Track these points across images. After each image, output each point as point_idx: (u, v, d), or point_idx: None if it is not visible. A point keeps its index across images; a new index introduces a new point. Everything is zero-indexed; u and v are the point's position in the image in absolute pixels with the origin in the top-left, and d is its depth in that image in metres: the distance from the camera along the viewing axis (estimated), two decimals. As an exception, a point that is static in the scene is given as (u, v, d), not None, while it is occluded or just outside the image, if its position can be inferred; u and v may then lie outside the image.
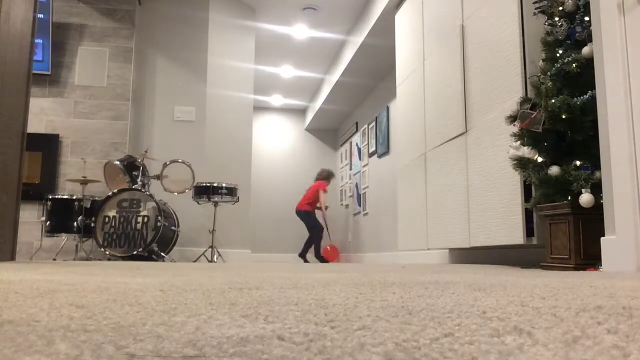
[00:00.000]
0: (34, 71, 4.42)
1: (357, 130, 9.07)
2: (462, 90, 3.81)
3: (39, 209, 5.32)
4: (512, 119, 2.87)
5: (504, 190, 3.19)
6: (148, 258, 4.57)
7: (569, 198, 2.52)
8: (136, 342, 0.42)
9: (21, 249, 5.21)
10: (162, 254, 4.68)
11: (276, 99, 9.89)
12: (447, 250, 4.76)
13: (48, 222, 4.67)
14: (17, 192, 2.88)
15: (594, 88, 2.43)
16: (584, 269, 2.39)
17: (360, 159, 8.75)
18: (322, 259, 8.34)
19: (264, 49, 7.56)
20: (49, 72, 5.47)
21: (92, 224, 4.55)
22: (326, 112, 9.44)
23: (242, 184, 6.04)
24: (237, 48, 6.24)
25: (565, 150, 2.67)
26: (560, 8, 2.74)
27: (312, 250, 8.43)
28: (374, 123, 7.97)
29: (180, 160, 4.96)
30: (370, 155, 8.12)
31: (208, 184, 5.04)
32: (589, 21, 2.59)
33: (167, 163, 4.95)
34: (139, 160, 4.83)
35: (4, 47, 2.66)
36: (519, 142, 2.80)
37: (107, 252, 4.48)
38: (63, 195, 4.72)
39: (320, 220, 8.52)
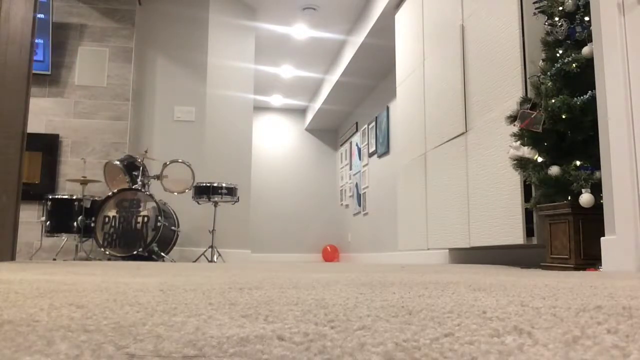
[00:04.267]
0: (34, 71, 4.42)
1: (357, 130, 9.07)
2: (462, 90, 3.81)
3: (39, 209, 5.32)
4: (512, 119, 2.87)
5: (504, 190, 3.19)
6: (148, 258, 4.57)
7: (569, 198, 2.52)
8: (136, 342, 0.42)
9: (21, 249, 5.21)
10: (162, 254, 4.68)
11: (276, 99, 9.89)
12: (447, 250, 4.76)
13: (48, 222, 4.67)
14: (17, 192, 2.88)
15: (594, 88, 2.43)
16: (584, 269, 2.39)
17: (360, 159, 8.75)
18: None
19: (264, 49, 7.56)
20: (49, 72, 5.47)
21: (92, 224, 4.55)
22: (326, 112, 9.44)
23: (242, 184, 6.04)
24: (237, 48, 6.24)
25: (565, 150, 2.67)
26: (560, 8, 2.74)
27: None
28: (374, 123, 7.97)
29: (180, 160, 4.95)
30: (370, 155, 8.12)
31: (208, 184, 5.04)
32: (589, 21, 2.59)
33: (167, 163, 4.95)
34: (139, 160, 4.83)
35: (4, 47, 2.66)
36: (519, 142, 2.80)
37: (107, 252, 4.48)
38: (63, 195, 4.72)
39: None
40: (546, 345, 0.42)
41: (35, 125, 5.41)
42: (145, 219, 4.56)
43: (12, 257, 2.85)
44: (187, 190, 4.97)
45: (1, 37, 2.63)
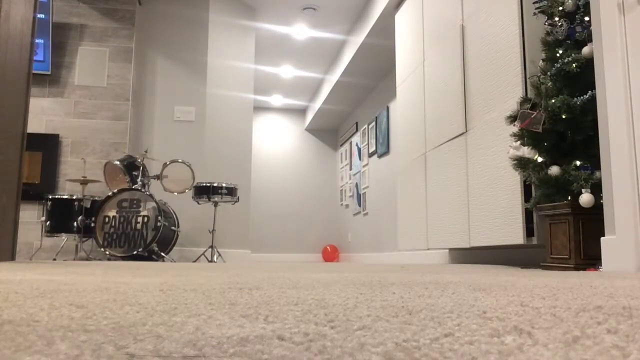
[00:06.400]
0: (34, 71, 4.42)
1: (357, 130, 9.07)
2: (462, 90, 3.81)
3: (39, 209, 5.32)
4: (512, 119, 2.87)
5: (504, 190, 3.19)
6: (148, 258, 4.57)
7: (569, 198, 2.52)
8: (136, 342, 0.42)
9: (21, 249, 5.21)
10: (162, 254, 4.68)
11: (276, 99, 9.89)
12: (447, 250, 4.76)
13: (48, 222, 4.67)
14: (17, 192, 2.88)
15: (594, 88, 2.43)
16: (584, 269, 2.39)
17: (360, 159, 8.75)
18: None
19: (264, 49, 7.56)
20: (49, 72, 5.47)
21: (92, 224, 4.54)
22: (326, 112, 9.44)
23: (242, 184, 6.04)
24: (237, 48, 6.24)
25: (565, 150, 2.67)
26: (560, 8, 2.74)
27: None
28: (374, 123, 7.97)
29: (180, 160, 4.95)
30: (370, 155, 8.12)
31: (208, 184, 5.04)
32: (589, 21, 2.59)
33: (167, 163, 4.95)
34: (139, 160, 4.83)
35: (4, 47, 2.66)
36: (519, 142, 2.80)
37: (107, 252, 4.48)
38: (63, 195, 4.72)
39: None
40: (546, 345, 0.42)
41: (35, 125, 5.41)
42: (145, 219, 4.56)
43: (12, 257, 2.85)
44: (187, 190, 4.97)
45: (1, 37, 2.63)
